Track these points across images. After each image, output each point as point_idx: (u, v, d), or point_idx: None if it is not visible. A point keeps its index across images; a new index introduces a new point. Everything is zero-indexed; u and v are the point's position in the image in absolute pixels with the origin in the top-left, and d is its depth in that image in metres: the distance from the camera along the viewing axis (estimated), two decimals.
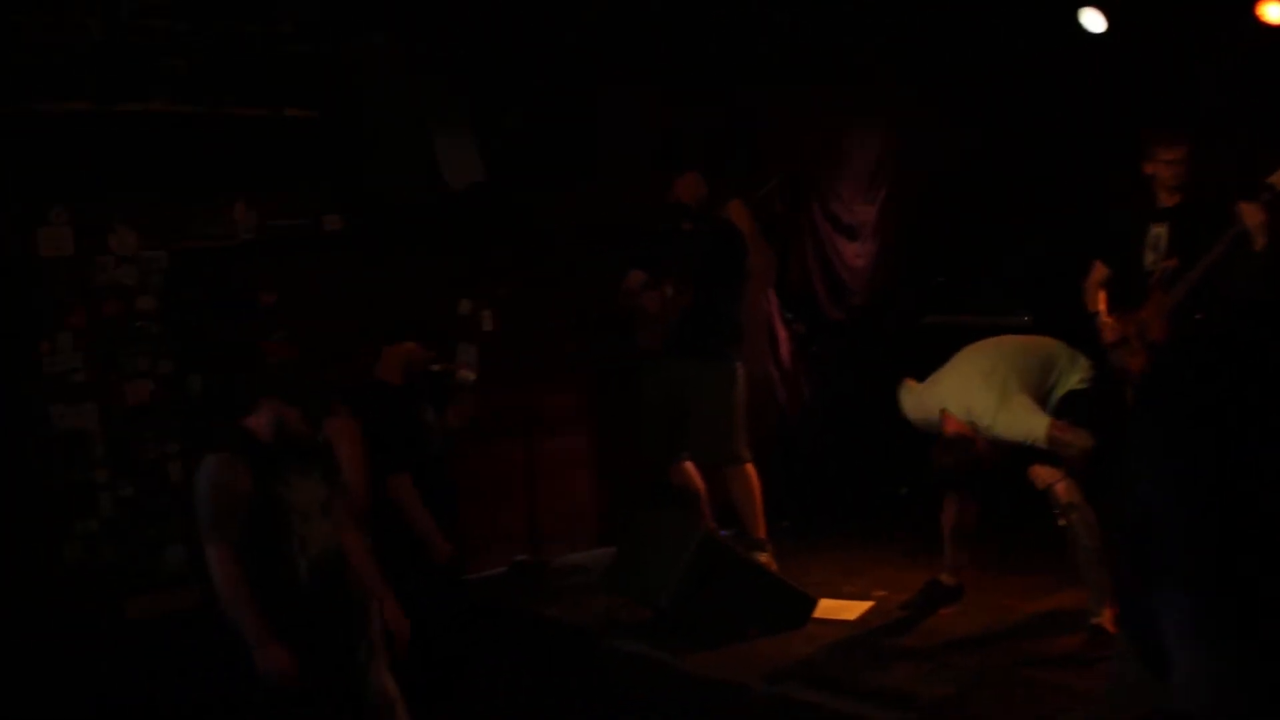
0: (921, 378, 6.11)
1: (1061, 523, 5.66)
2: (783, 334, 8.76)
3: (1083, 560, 5.63)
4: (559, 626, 6.51)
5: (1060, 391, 5.88)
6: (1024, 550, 6.91)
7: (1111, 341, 6.57)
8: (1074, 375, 5.91)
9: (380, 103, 7.10)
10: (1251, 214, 5.90)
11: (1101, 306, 6.75)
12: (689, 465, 7.17)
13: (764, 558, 6.84)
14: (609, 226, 7.52)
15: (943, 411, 5.90)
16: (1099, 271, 6.80)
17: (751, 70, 8.05)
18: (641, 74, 7.78)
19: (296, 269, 6.97)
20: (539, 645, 6.14)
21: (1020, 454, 5.71)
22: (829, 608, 6.39)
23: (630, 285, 7.12)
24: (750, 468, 7.04)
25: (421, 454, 6.07)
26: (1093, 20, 8.07)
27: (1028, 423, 5.57)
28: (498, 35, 7.30)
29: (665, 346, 7.04)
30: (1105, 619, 5.53)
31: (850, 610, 6.40)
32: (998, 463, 5.75)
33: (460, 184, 7.23)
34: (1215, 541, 1.08)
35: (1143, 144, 6.57)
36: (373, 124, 7.11)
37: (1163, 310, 6.35)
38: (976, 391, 5.74)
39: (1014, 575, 6.77)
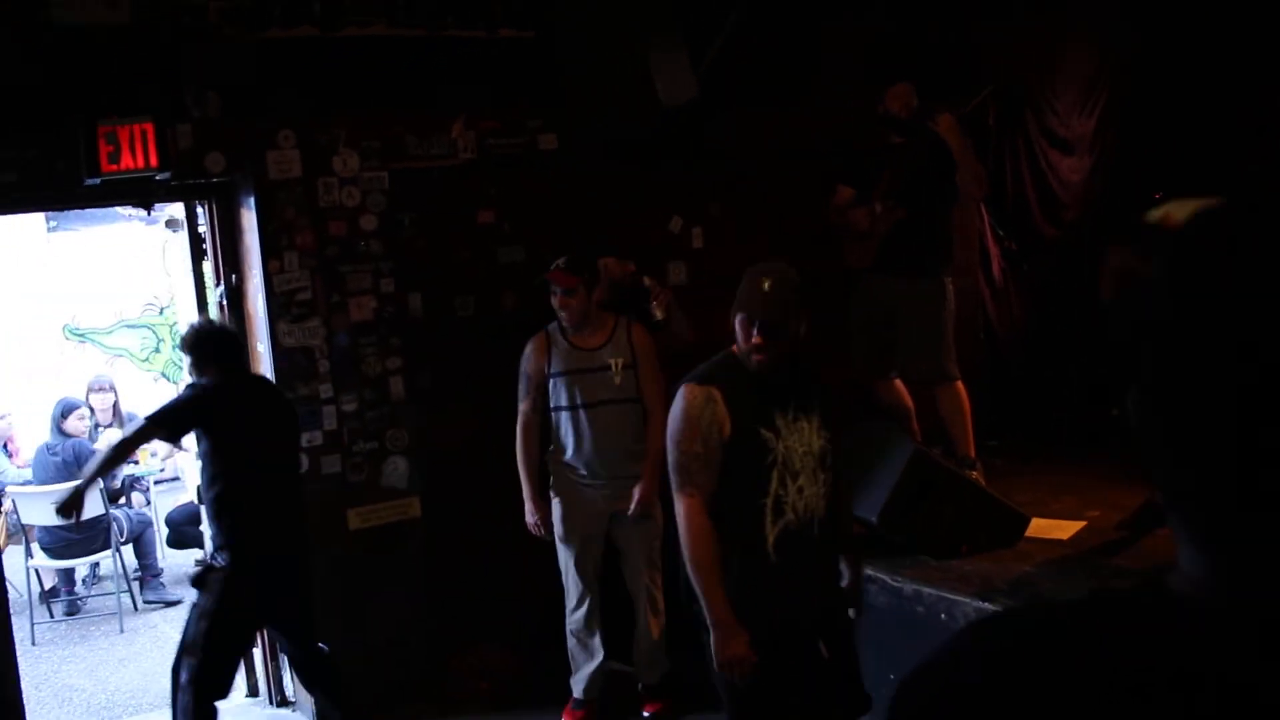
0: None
1: None
2: (995, 250, 8.66)
3: None
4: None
5: None
6: None
7: None
8: None
9: (595, 21, 7.15)
10: None
11: None
12: (898, 382, 7.17)
13: (974, 475, 6.79)
14: (823, 144, 7.48)
15: None
16: None
17: None
18: None
19: (514, 187, 7.12)
20: None
21: None
22: (1042, 526, 6.34)
23: (839, 201, 7.09)
24: (960, 385, 7.00)
25: None
26: None
27: None
28: None
29: (875, 264, 7.00)
30: None
31: (1063, 529, 6.35)
32: None
33: (674, 101, 7.27)
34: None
35: None
36: (587, 42, 7.18)
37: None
38: None
39: None
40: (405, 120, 6.88)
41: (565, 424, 6.13)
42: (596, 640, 6.31)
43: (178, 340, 9.06)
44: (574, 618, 6.29)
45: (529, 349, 6.12)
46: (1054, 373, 8.30)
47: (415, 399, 6.90)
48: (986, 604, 5.35)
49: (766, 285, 4.23)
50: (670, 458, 4.28)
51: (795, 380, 4.38)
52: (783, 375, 4.32)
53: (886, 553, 6.01)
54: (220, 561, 5.67)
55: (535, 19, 7.14)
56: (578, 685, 6.37)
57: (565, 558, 6.25)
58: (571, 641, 6.33)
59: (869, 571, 5.93)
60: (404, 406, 6.89)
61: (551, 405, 6.12)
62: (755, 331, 4.19)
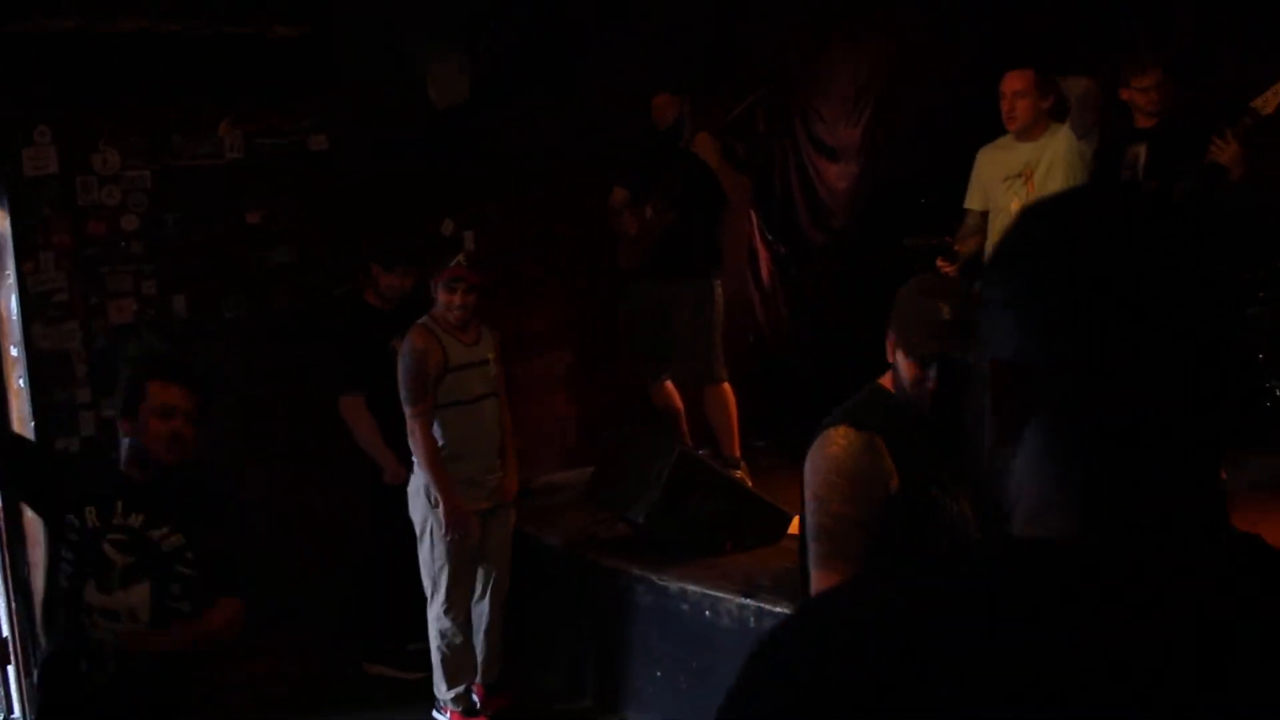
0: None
1: None
2: (764, 254, 8.84)
3: None
4: (539, 544, 6.64)
5: None
6: None
7: None
8: None
9: (368, 21, 7.12)
10: (1221, 150, 5.81)
11: None
12: (669, 385, 7.28)
13: (739, 474, 6.96)
14: (597, 146, 7.55)
15: None
16: None
17: None
18: None
19: (283, 187, 7.04)
20: (519, 562, 6.24)
21: None
22: None
23: (614, 203, 7.19)
24: (727, 387, 7.15)
25: (383, 378, 6.08)
26: None
27: None
28: None
29: (645, 267, 7.13)
30: None
31: None
32: None
33: (446, 103, 7.28)
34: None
35: (1120, 72, 6.58)
36: (360, 42, 7.13)
37: None
38: None
39: None
40: (171, 117, 6.74)
41: (457, 420, 5.93)
42: (469, 640, 6.13)
43: None
44: (449, 623, 6.02)
45: (420, 345, 5.82)
46: (821, 374, 8.50)
47: None
48: (749, 600, 5.47)
49: (947, 312, 3.31)
50: (813, 521, 3.33)
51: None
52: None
53: (653, 552, 6.10)
54: None
55: (308, 17, 7.05)
56: (465, 681, 6.12)
57: (443, 560, 5.96)
58: (442, 645, 6.10)
59: (635, 571, 6.04)
60: None
61: (440, 402, 5.91)
62: (932, 373, 3.32)
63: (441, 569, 5.88)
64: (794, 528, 6.32)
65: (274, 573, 6.71)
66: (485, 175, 7.61)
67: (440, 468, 5.75)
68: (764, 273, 8.84)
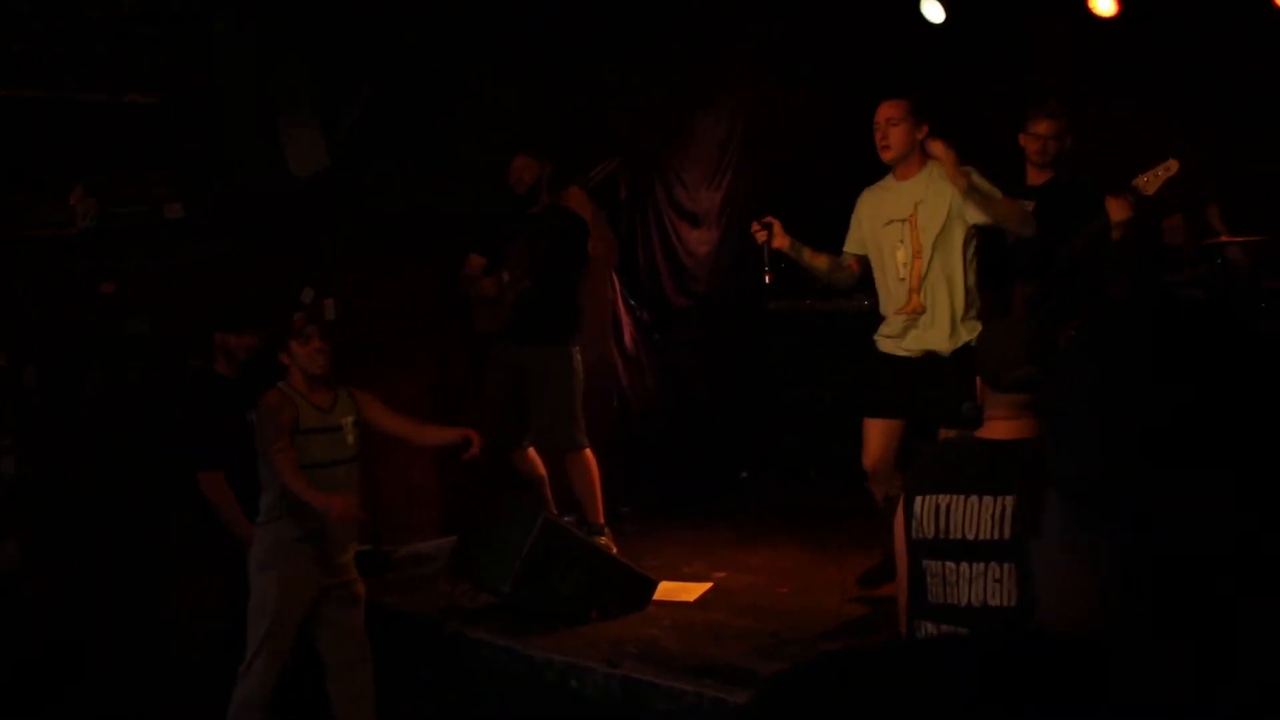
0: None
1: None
2: (626, 319, 8.87)
3: None
4: (403, 615, 6.56)
5: None
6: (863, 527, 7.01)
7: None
8: None
9: (225, 88, 7.05)
10: (1118, 209, 6.04)
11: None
12: (531, 451, 7.25)
13: (603, 541, 6.96)
14: (458, 212, 7.55)
15: None
16: None
17: (599, 51, 8.12)
18: (492, 56, 7.80)
19: (138, 257, 6.92)
20: (383, 634, 6.16)
21: None
22: (669, 589, 6.52)
23: (469, 270, 7.20)
24: (589, 453, 7.13)
25: (242, 450, 5.88)
26: (933, 11, 8.35)
27: None
28: (346, 21, 7.27)
29: (504, 333, 7.12)
30: None
31: (690, 591, 6.55)
32: None
33: (305, 171, 7.23)
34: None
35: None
36: (217, 110, 7.06)
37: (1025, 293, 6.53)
38: None
39: (854, 553, 6.72)
40: (19, 186, 6.60)
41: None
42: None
43: None
44: (264, 695, 5.77)
45: (274, 402, 5.70)
46: (685, 439, 8.56)
47: (32, 475, 6.58)
48: (615, 670, 5.45)
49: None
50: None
51: None
52: None
53: (518, 622, 6.06)
54: None
55: (164, 84, 6.96)
56: None
57: (269, 627, 5.75)
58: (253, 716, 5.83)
59: (500, 642, 5.99)
60: (17, 484, 6.55)
61: None
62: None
63: (263, 634, 5.62)
64: (661, 592, 6.38)
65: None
66: (346, 242, 7.56)
67: (311, 487, 5.55)
68: (627, 338, 8.87)
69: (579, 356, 7.19)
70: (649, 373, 8.93)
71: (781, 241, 5.95)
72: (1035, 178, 6.45)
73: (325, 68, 7.30)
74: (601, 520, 7.14)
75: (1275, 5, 7.24)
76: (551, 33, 7.89)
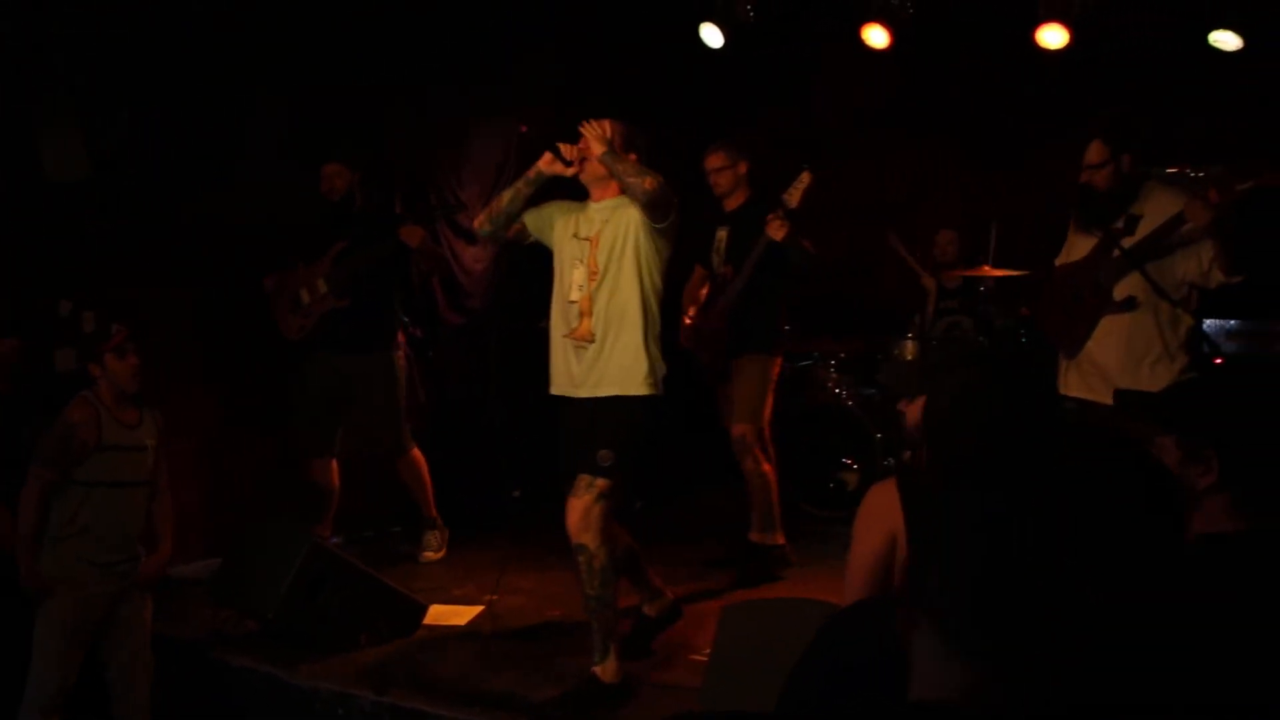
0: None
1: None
2: (400, 338, 8.76)
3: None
4: (166, 641, 6.33)
5: None
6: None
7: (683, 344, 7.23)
8: None
9: None
10: (775, 229, 6.65)
11: (691, 310, 7.22)
12: (334, 464, 7.38)
13: (435, 534, 7.54)
14: (241, 224, 7.37)
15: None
16: (696, 273, 7.37)
17: (378, 67, 8.03)
18: (272, 70, 7.61)
19: None
20: None
21: None
22: (439, 613, 6.45)
23: (270, 282, 7.43)
24: (417, 452, 7.50)
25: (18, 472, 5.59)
26: (711, 36, 8.48)
27: None
28: (114, 29, 7.01)
29: (323, 341, 7.27)
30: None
31: (460, 615, 6.48)
32: None
33: (63, 177, 6.93)
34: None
35: None
36: None
37: (721, 314, 7.07)
38: None
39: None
40: None
41: (96, 501, 5.50)
42: None
43: None
44: (52, 702, 5.52)
45: (75, 419, 5.41)
46: (457, 457, 8.48)
47: None
48: (383, 698, 5.36)
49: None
50: None
51: None
52: None
53: (285, 649, 5.91)
54: None
55: None
56: None
57: (53, 647, 5.49)
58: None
59: (265, 670, 5.83)
60: None
61: (81, 480, 5.47)
62: None
63: (48, 654, 5.44)
64: (432, 616, 6.30)
65: None
66: (112, 253, 7.24)
67: (30, 537, 5.37)
68: (400, 356, 8.74)
69: (401, 361, 7.46)
70: (421, 390, 8.82)
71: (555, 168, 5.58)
72: (728, 205, 7.17)
73: (90, 78, 7.00)
74: (434, 514, 7.58)
75: (1036, 41, 7.54)
76: (333, 52, 7.76)
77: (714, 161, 7.11)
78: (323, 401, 7.29)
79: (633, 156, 5.48)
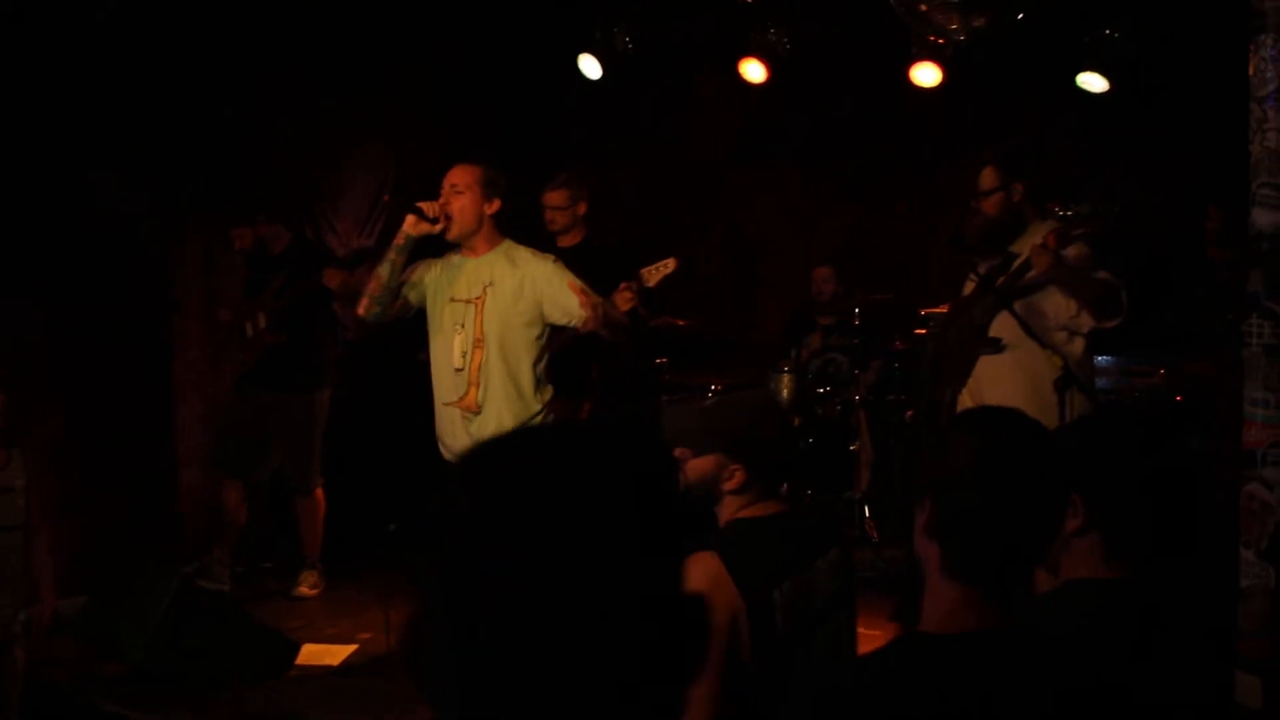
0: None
1: None
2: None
3: None
4: (27, 683, 6.14)
5: None
6: None
7: None
8: None
9: None
10: (624, 301, 5.89)
11: None
12: (242, 490, 7.47)
13: (312, 576, 7.48)
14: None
15: None
16: None
17: (250, 89, 7.93)
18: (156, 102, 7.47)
19: None
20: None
21: None
22: (312, 652, 6.35)
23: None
24: (320, 494, 7.54)
25: None
26: (590, 67, 8.51)
27: None
28: None
29: (253, 373, 7.41)
30: None
31: (334, 655, 6.39)
32: None
33: None
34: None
35: None
36: None
37: None
38: None
39: None
40: None
41: None
42: None
43: None
44: None
45: None
46: (331, 490, 8.35)
47: None
48: None
49: None
50: None
51: None
52: None
53: (158, 690, 5.76)
54: None
55: None
56: None
57: None
58: None
59: (136, 715, 5.67)
60: None
61: None
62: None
63: None
64: (305, 655, 6.18)
65: None
66: None
67: None
68: None
69: (324, 401, 7.50)
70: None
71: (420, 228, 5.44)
72: (563, 241, 6.96)
73: None
74: (316, 556, 7.55)
75: (909, 79, 7.68)
76: (199, 73, 7.62)
77: (554, 199, 7.02)
78: (249, 431, 7.39)
79: (497, 203, 5.49)
